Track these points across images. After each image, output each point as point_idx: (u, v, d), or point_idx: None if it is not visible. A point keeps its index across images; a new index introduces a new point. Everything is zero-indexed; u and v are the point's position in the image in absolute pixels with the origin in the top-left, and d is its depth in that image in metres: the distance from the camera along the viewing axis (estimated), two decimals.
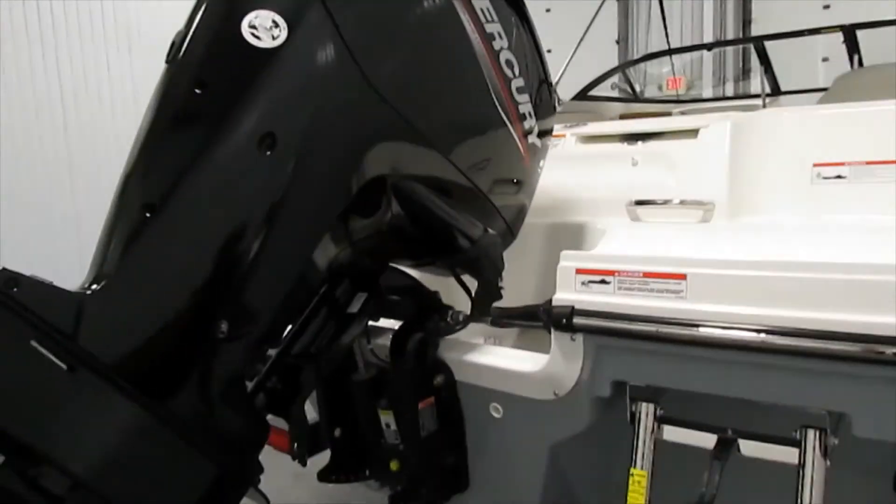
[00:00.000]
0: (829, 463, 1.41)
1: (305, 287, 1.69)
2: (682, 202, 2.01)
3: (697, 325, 1.45)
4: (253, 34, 1.41)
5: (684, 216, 1.99)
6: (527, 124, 1.86)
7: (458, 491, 2.01)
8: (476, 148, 1.78)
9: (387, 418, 1.94)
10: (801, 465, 1.42)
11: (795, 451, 1.43)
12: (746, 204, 2.04)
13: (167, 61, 1.48)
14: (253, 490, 1.56)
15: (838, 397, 1.38)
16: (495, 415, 1.86)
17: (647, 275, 1.51)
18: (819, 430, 1.41)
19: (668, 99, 5.75)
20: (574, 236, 2.24)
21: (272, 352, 1.78)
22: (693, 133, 2.25)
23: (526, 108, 1.84)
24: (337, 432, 2.05)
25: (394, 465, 1.96)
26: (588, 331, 1.58)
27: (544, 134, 1.96)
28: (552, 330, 1.64)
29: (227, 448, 1.47)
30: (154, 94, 1.49)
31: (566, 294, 1.60)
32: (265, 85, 1.45)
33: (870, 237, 1.67)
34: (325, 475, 2.06)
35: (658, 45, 8.26)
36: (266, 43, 1.41)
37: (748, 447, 1.51)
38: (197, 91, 1.43)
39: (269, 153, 1.42)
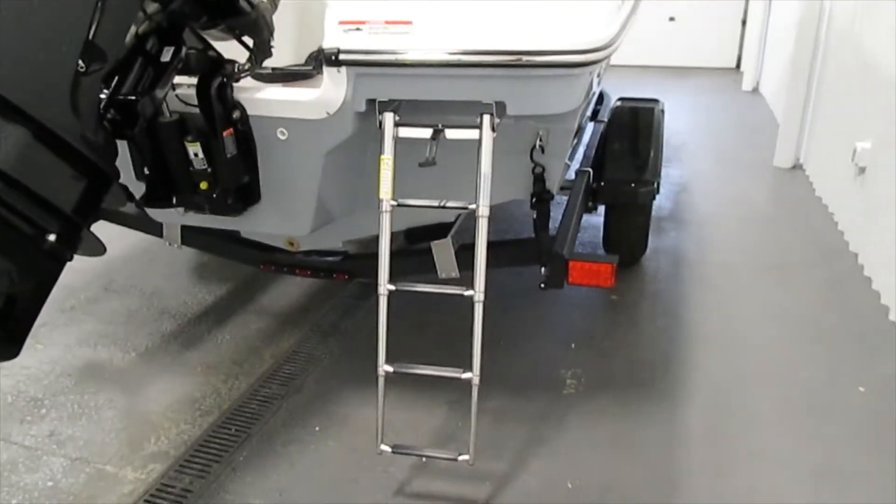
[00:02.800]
0: (495, 135, 2.40)
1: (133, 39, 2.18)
2: None
3: (418, 53, 2.28)
4: None
5: None
6: None
7: (253, 203, 2.73)
8: None
9: (194, 149, 2.53)
10: (481, 138, 2.39)
11: (477, 131, 2.39)
12: None
13: None
14: (116, 185, 2.12)
15: (499, 91, 2.34)
16: (281, 137, 2.56)
17: (387, 22, 2.28)
18: (489, 115, 2.37)
19: None
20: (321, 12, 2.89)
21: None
22: None
23: None
24: (146, 171, 2.61)
25: (203, 185, 2.58)
26: (349, 64, 2.33)
27: None
28: (324, 66, 2.35)
29: (97, 153, 2.01)
30: None
31: (333, 40, 2.32)
32: None
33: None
34: (144, 203, 2.63)
35: None
36: None
37: (451, 133, 2.44)
38: None
39: None
